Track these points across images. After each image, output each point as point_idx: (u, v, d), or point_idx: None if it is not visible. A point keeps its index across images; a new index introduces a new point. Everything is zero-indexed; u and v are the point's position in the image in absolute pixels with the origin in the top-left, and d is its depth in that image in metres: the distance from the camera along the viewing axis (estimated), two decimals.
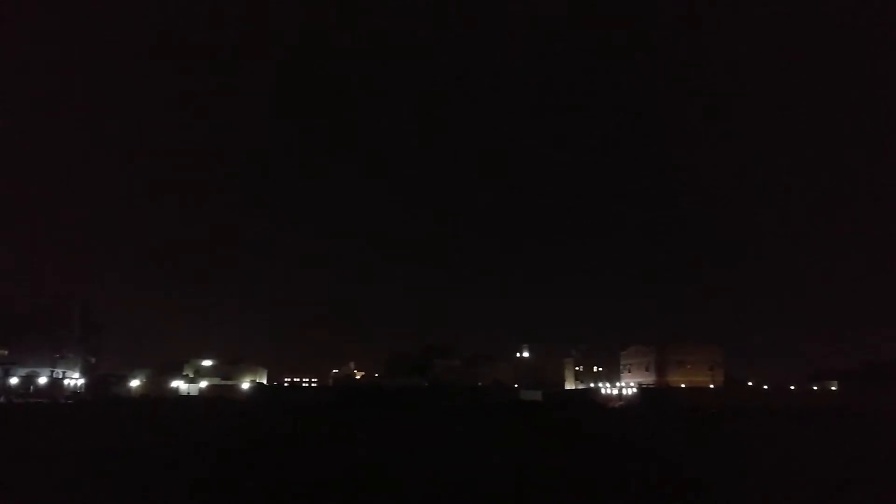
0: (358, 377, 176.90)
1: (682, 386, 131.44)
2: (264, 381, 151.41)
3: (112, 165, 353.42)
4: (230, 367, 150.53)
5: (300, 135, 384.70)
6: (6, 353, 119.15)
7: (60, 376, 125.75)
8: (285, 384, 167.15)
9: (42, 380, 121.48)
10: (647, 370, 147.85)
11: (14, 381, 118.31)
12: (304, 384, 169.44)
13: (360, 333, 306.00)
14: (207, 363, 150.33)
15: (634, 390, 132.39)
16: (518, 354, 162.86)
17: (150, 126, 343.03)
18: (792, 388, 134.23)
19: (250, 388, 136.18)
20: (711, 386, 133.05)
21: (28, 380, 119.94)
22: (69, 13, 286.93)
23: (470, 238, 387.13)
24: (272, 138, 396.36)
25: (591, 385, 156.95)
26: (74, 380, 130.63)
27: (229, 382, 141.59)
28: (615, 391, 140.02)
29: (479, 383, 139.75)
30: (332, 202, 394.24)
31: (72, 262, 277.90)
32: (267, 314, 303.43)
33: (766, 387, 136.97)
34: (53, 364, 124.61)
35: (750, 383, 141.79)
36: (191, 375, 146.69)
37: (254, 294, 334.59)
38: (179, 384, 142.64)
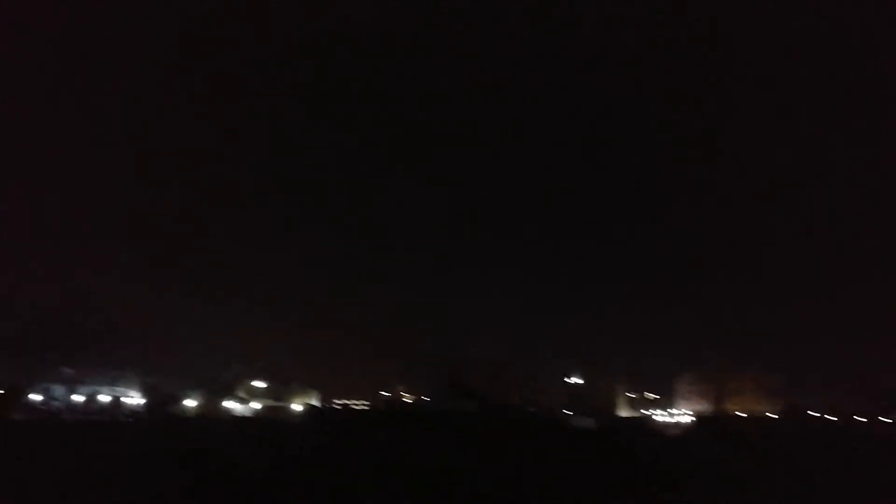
0: (408, 400, 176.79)
1: (742, 414, 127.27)
2: (316, 403, 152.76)
3: (166, 187, 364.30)
4: (282, 388, 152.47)
5: (358, 155, 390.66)
6: (72, 371, 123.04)
7: (120, 395, 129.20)
8: (336, 406, 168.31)
9: (103, 398, 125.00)
10: (703, 398, 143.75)
11: (78, 398, 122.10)
12: (354, 406, 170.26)
13: (409, 356, 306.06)
14: (260, 384, 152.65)
15: (692, 418, 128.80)
16: (569, 380, 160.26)
17: (199, 151, 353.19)
18: (862, 418, 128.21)
19: (302, 409, 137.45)
20: (772, 415, 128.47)
21: (91, 398, 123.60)
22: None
23: (519, 261, 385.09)
24: (332, 160, 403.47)
25: (646, 412, 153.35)
26: (133, 399, 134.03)
27: (282, 404, 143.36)
28: (671, 419, 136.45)
29: (531, 408, 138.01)
30: (385, 228, 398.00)
31: (129, 284, 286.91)
32: (317, 336, 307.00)
33: (831, 417, 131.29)
34: (114, 383, 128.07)
35: (815, 413, 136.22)
36: (244, 396, 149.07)
37: (304, 315, 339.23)
38: (233, 405, 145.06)
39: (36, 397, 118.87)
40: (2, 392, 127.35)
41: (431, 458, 48.11)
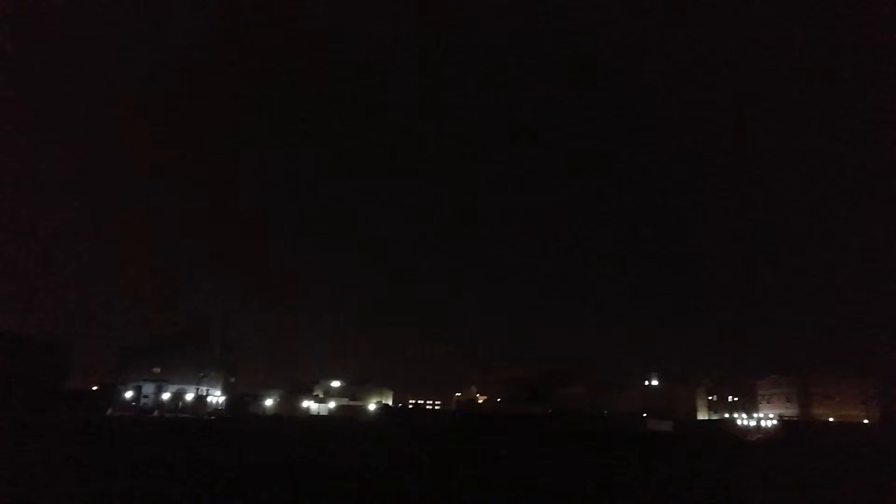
0: (480, 401, 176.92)
1: (831, 420, 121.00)
2: (390, 403, 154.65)
3: (242, 195, 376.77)
4: (357, 387, 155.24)
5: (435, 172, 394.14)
6: (159, 371, 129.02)
7: (204, 394, 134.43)
8: (410, 406, 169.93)
9: (188, 396, 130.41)
10: (788, 401, 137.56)
11: (166, 396, 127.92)
12: (427, 406, 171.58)
13: (483, 357, 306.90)
14: (336, 384, 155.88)
15: (774, 422, 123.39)
16: (646, 382, 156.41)
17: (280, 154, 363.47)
18: None
19: (377, 409, 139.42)
20: (866, 421, 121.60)
21: (177, 396, 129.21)
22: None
23: (595, 264, 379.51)
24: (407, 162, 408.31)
25: (726, 416, 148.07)
26: (216, 397, 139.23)
27: (357, 403, 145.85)
28: (752, 423, 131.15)
29: (605, 412, 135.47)
30: (463, 231, 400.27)
31: (209, 286, 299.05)
32: (391, 336, 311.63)
33: None
34: (198, 382, 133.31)
35: None
36: (320, 396, 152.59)
37: (378, 315, 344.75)
38: (310, 404, 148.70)
39: (128, 394, 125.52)
40: (95, 388, 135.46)
41: (499, 462, 47.90)
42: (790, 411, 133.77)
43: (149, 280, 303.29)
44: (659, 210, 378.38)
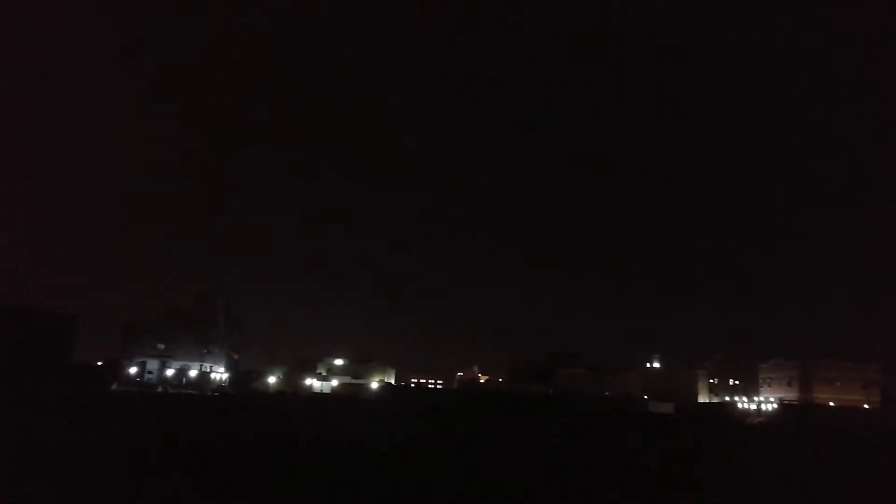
0: (482, 381, 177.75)
1: (831, 404, 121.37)
2: (392, 381, 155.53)
3: (247, 171, 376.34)
4: (360, 366, 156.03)
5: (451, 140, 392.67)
6: (163, 347, 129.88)
7: (208, 370, 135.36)
8: (412, 384, 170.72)
9: (192, 373, 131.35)
10: (789, 385, 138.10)
11: (170, 372, 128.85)
12: (429, 385, 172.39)
13: (484, 337, 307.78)
14: (339, 362, 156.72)
15: (775, 406, 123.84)
16: (648, 364, 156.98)
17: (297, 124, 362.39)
18: None
19: (379, 387, 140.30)
20: (866, 406, 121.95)
21: (181, 372, 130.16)
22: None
23: (596, 245, 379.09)
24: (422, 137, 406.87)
25: (727, 399, 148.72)
26: (220, 374, 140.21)
27: (359, 381, 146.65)
28: (753, 406, 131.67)
29: (606, 393, 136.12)
30: (463, 208, 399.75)
31: (213, 265, 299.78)
32: (394, 315, 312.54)
33: None
34: (202, 359, 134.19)
35: None
36: (323, 373, 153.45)
37: (380, 295, 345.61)
38: (313, 381, 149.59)
39: (132, 370, 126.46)
40: (100, 364, 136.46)
41: (508, 443, 48.19)
42: (791, 395, 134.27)
43: (155, 258, 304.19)
44: (664, 192, 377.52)
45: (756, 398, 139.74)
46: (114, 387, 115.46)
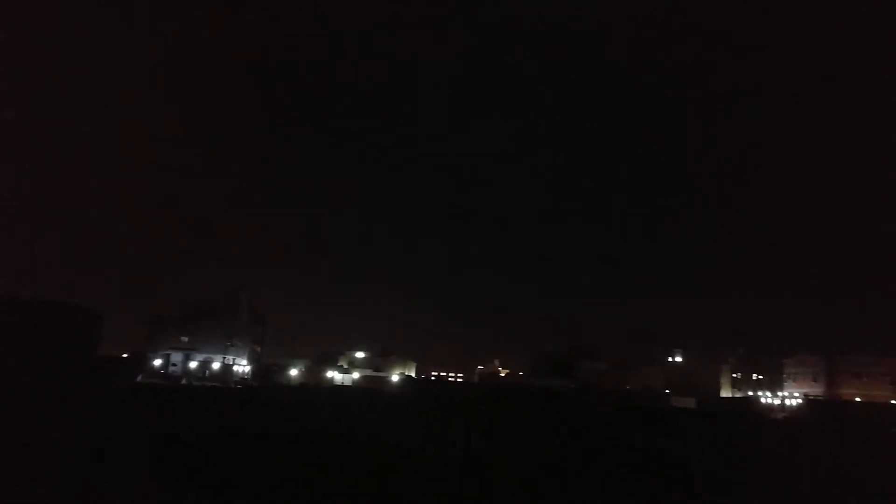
0: (503, 374, 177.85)
1: (858, 400, 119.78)
2: (413, 374, 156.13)
3: (267, 164, 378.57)
4: (381, 359, 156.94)
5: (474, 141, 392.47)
6: (187, 339, 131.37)
7: (231, 363, 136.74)
8: (432, 378, 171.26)
9: (216, 365, 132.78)
10: (814, 381, 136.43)
11: (193, 365, 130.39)
12: (450, 378, 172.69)
13: (505, 331, 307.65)
14: (360, 355, 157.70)
15: (799, 401, 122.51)
16: (670, 359, 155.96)
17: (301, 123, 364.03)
18: None
19: (400, 380, 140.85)
20: (894, 402, 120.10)
21: (204, 365, 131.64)
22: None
23: (618, 237, 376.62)
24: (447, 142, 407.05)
25: (750, 393, 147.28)
26: (243, 367, 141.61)
27: (380, 374, 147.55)
28: (777, 401, 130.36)
29: (628, 387, 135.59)
30: (481, 204, 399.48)
31: (236, 255, 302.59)
32: (415, 308, 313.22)
33: None
34: (225, 351, 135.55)
35: None
36: (345, 366, 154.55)
37: (401, 290, 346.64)
38: (334, 374, 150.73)
39: (157, 362, 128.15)
40: (125, 356, 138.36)
41: (530, 438, 48.13)
42: (816, 390, 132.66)
43: (180, 251, 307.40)
44: (687, 184, 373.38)
45: (780, 393, 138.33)
46: (139, 378, 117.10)
